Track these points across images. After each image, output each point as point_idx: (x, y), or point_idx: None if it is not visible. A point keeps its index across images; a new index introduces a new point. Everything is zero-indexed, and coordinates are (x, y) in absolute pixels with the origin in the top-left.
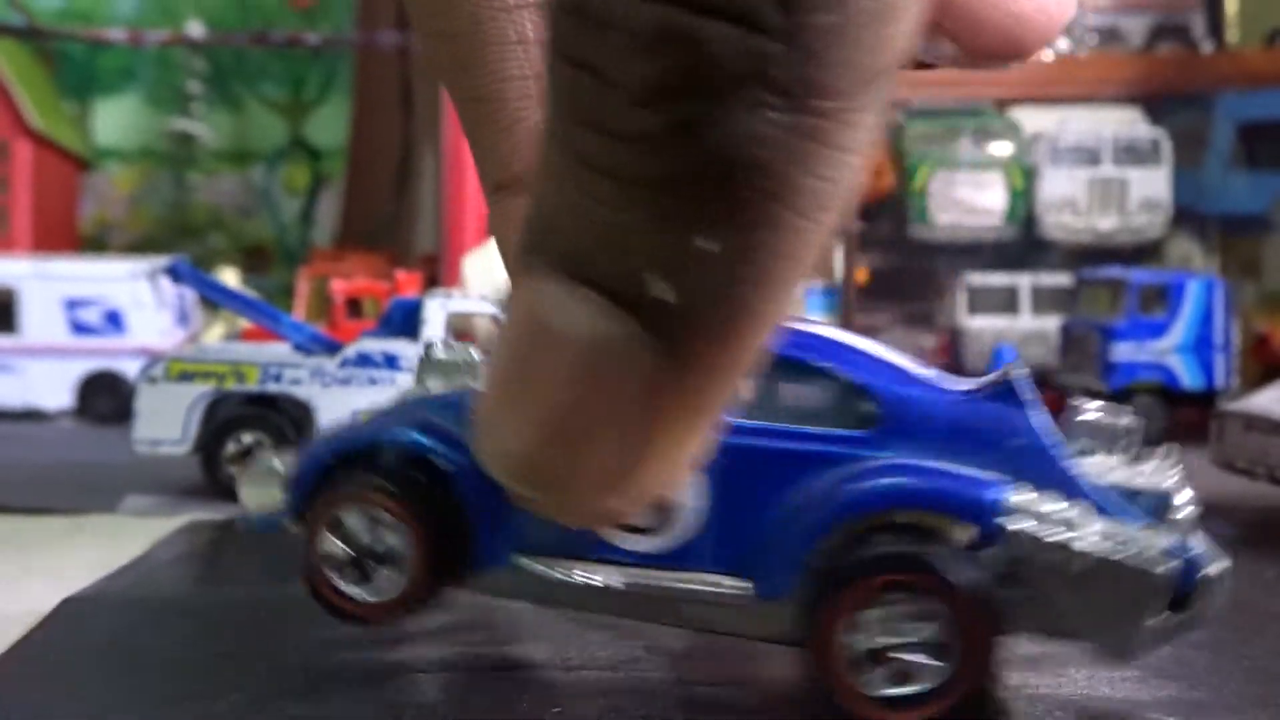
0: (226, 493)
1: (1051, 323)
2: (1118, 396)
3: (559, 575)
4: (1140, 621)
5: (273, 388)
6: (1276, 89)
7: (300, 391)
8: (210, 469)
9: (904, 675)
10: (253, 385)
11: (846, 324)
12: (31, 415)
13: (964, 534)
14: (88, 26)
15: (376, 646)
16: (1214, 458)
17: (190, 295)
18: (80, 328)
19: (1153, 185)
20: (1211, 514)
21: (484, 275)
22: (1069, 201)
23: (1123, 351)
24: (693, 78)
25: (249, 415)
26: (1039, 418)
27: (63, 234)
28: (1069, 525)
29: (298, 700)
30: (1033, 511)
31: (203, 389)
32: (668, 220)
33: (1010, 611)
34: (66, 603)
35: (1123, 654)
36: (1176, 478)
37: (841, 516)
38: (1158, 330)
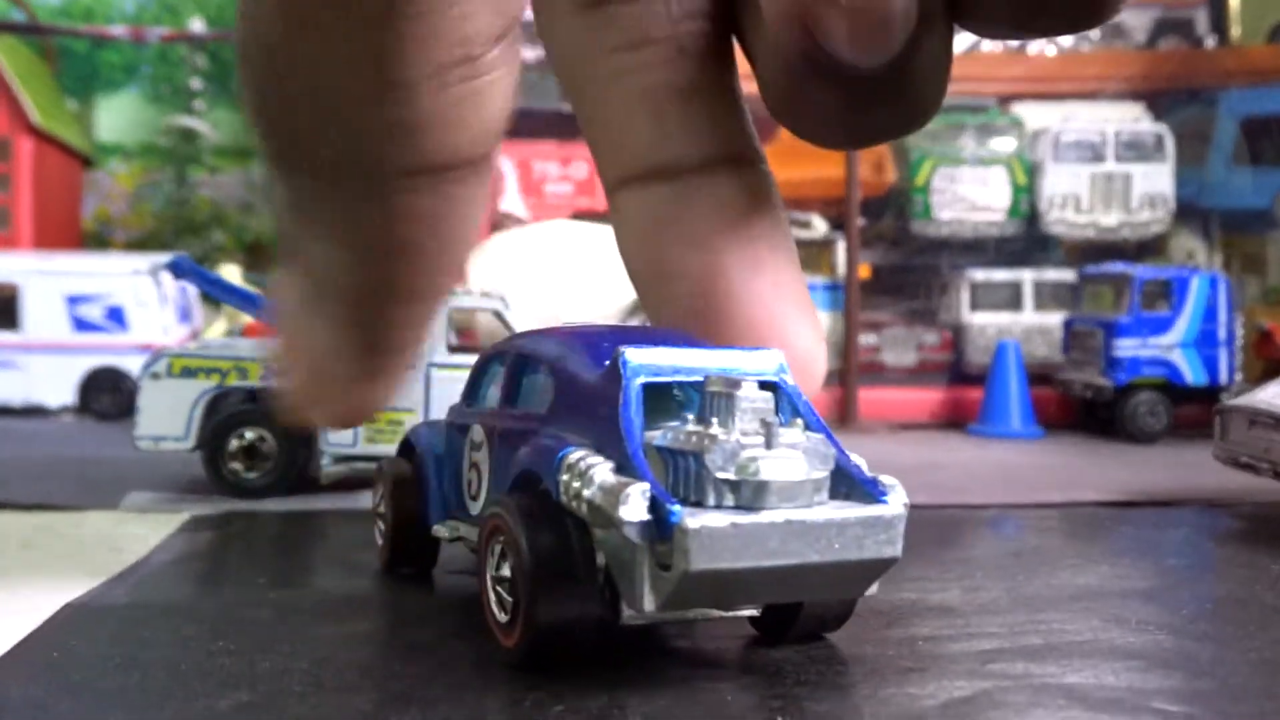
0: (230, 489)
1: (1055, 319)
2: (1121, 392)
3: (444, 531)
4: (631, 569)
5: None
6: None
7: None
8: (213, 465)
9: (504, 605)
10: (255, 381)
11: (850, 320)
12: (34, 412)
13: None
14: (89, 23)
15: (381, 645)
16: (1218, 453)
17: (192, 291)
18: (82, 324)
19: (1156, 181)
20: (1215, 509)
21: (485, 272)
22: (1072, 197)
23: (1126, 347)
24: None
25: (251, 411)
26: (631, 390)
27: (65, 231)
28: (584, 478)
29: (300, 700)
30: (572, 465)
31: (205, 385)
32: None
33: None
34: (68, 603)
35: (632, 603)
36: (757, 446)
37: (504, 482)
38: (1161, 326)
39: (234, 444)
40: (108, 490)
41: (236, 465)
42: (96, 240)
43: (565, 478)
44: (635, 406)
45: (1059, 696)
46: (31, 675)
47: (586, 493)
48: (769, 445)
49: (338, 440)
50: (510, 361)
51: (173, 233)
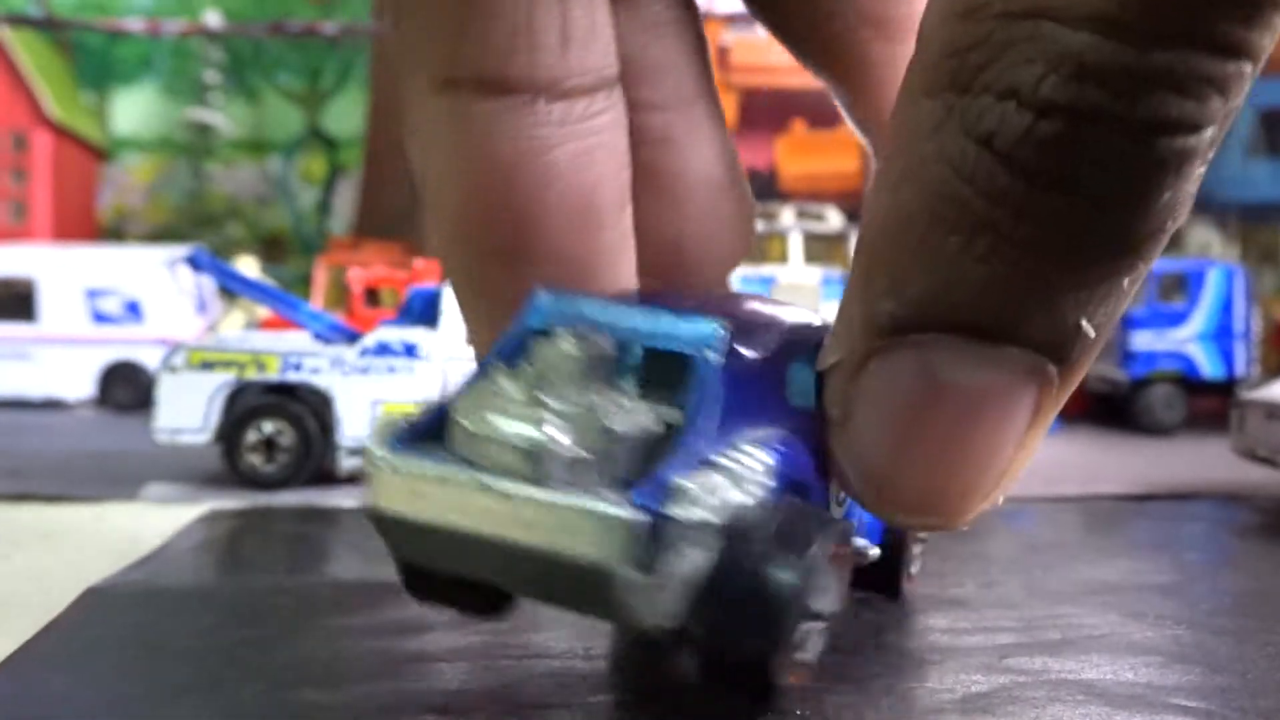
0: (247, 481)
1: None
2: (1137, 385)
3: None
4: None
5: (293, 377)
6: None
7: (320, 381)
8: (231, 458)
9: None
10: (273, 374)
11: None
12: (52, 405)
13: None
14: (105, 17)
15: (398, 634)
16: (1235, 446)
17: (209, 285)
18: (100, 317)
19: None
20: (1233, 502)
21: None
22: None
23: (1142, 340)
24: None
25: (269, 404)
26: (508, 336)
27: (81, 224)
28: None
29: (319, 688)
30: None
31: (223, 378)
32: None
33: None
34: (88, 592)
35: None
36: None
37: None
38: (1177, 319)
39: (252, 437)
40: (126, 482)
41: (254, 458)
42: (113, 233)
43: None
44: (503, 350)
45: (1077, 692)
46: (53, 666)
47: None
48: (536, 405)
49: (354, 434)
50: None
51: (189, 226)
